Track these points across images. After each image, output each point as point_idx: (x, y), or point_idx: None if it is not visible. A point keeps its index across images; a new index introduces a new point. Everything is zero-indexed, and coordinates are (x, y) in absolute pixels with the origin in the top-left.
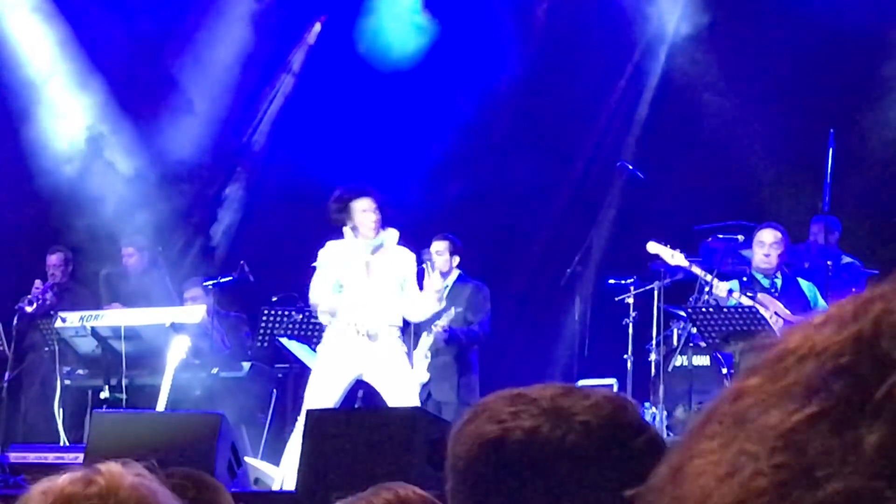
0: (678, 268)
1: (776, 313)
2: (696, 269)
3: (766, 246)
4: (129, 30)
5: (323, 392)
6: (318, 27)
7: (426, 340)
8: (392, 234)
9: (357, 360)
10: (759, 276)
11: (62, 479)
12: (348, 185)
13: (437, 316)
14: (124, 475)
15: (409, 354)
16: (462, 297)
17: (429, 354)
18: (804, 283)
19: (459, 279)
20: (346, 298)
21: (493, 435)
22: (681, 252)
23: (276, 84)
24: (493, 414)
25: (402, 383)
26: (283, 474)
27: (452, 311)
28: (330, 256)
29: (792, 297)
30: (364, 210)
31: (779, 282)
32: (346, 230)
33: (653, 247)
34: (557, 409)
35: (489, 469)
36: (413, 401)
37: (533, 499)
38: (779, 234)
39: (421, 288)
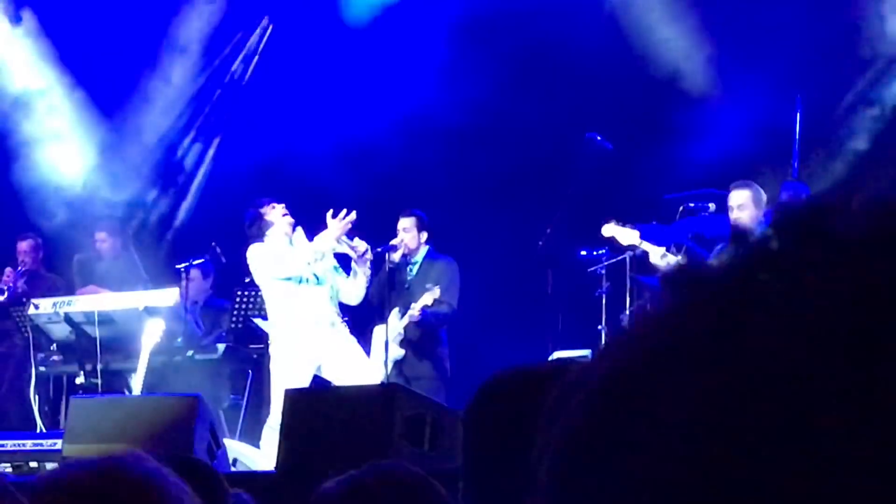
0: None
1: None
2: (646, 246)
3: (732, 210)
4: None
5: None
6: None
7: (401, 322)
8: (300, 230)
9: (316, 352)
10: None
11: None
12: (258, 200)
13: (413, 292)
14: (133, 465)
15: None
16: (433, 274)
17: (402, 332)
18: None
19: (429, 255)
20: (303, 294)
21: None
22: (634, 228)
23: (234, 66)
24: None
25: (360, 373)
26: (262, 455)
27: (437, 290)
28: (276, 250)
29: None
30: (284, 214)
31: None
32: (270, 234)
33: (608, 230)
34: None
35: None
36: None
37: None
38: (744, 193)
39: (347, 272)
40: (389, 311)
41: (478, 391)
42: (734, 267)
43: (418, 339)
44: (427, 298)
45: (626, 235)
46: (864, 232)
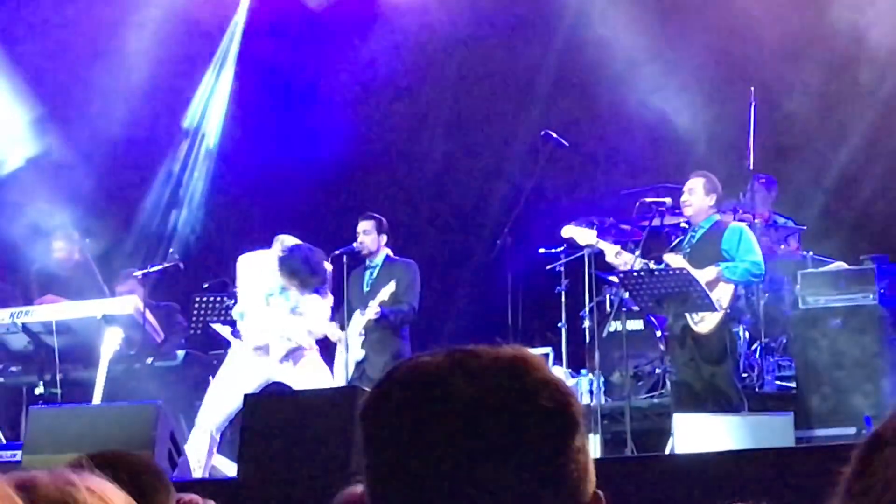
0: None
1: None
2: (602, 245)
3: (684, 193)
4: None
5: (232, 390)
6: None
7: (360, 320)
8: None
9: (267, 364)
10: (694, 231)
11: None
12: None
13: (372, 295)
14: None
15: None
16: (392, 276)
17: (363, 332)
18: (733, 227)
19: (388, 258)
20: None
21: None
22: (592, 227)
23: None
24: None
25: (315, 377)
26: (222, 462)
27: (392, 284)
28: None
29: (702, 249)
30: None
31: (699, 232)
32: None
33: (567, 231)
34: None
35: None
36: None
37: None
38: (698, 181)
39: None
40: (350, 315)
41: (374, 387)
42: None
43: (380, 340)
44: (384, 294)
45: (583, 236)
46: None
